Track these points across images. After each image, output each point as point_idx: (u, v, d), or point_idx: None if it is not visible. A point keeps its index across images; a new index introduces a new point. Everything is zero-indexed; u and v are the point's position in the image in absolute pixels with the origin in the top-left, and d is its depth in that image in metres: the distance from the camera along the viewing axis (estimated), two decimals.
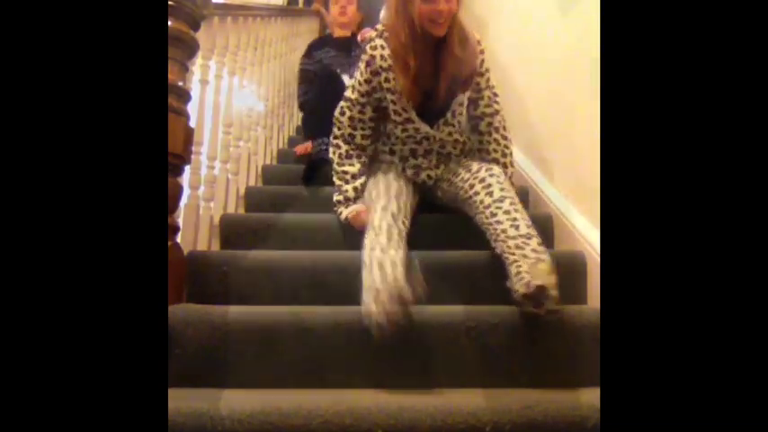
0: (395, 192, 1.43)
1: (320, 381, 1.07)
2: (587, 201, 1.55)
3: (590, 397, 0.95)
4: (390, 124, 1.52)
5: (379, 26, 1.49)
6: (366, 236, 1.27)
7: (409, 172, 1.55)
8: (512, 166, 1.60)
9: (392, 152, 1.56)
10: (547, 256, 1.17)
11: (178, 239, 1.30)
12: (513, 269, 1.17)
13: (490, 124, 1.58)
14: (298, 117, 2.93)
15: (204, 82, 1.69)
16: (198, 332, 1.08)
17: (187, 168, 1.37)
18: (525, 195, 1.90)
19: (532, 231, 1.24)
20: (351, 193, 1.51)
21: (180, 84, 1.23)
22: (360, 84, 1.50)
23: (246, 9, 2.20)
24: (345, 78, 2.19)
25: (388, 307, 1.04)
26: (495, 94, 1.57)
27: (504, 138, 1.59)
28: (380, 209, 1.35)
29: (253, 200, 1.94)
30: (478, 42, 1.49)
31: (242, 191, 1.97)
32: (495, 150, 1.58)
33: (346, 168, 1.54)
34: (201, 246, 1.53)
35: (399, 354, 1.09)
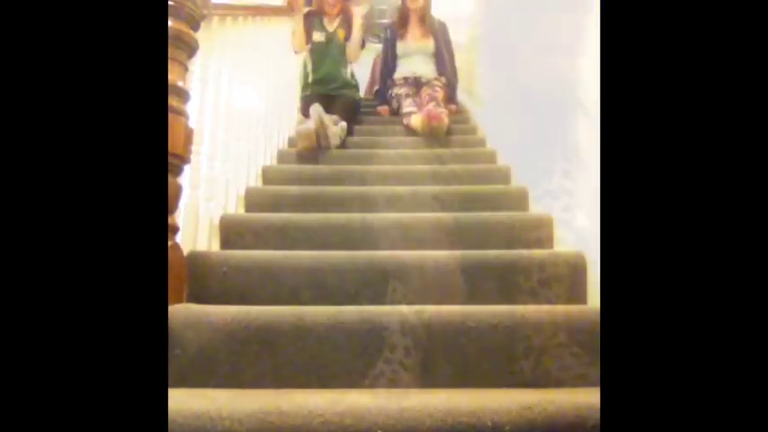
0: None
1: (320, 381, 1.07)
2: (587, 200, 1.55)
3: (590, 397, 0.95)
4: None
5: None
6: None
7: None
8: None
9: None
10: None
11: (178, 239, 1.30)
12: None
13: None
14: (298, 117, 2.93)
15: (204, 82, 1.69)
16: (198, 332, 1.08)
17: (187, 168, 1.37)
18: (525, 195, 1.90)
19: None
20: None
21: (180, 84, 1.23)
22: None
23: (247, 9, 2.20)
24: None
25: None
26: None
27: None
28: None
29: (253, 200, 1.94)
30: None
31: (242, 191, 1.97)
32: None
33: None
34: (201, 246, 1.53)
35: (399, 354, 1.09)
